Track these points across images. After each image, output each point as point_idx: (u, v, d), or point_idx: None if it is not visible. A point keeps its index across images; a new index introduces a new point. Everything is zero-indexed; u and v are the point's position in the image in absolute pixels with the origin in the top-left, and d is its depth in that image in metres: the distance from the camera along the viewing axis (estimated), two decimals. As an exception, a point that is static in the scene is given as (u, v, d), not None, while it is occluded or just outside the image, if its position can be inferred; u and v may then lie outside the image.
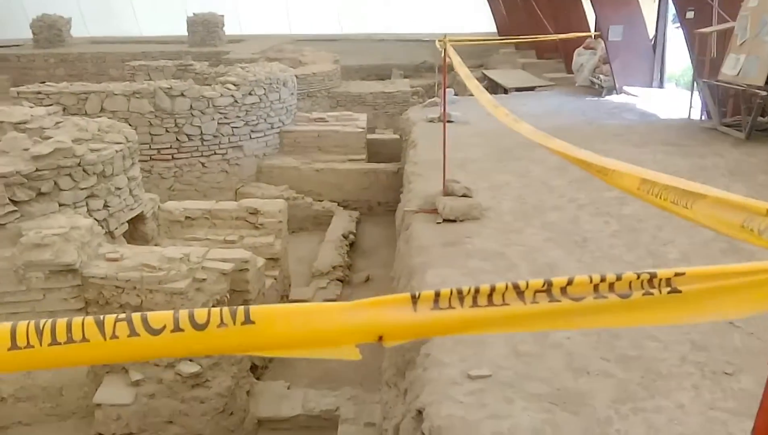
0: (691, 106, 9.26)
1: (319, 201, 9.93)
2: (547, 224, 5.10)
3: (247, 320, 1.05)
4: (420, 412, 2.80)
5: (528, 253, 4.52)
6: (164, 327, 1.03)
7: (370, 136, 11.55)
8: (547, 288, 1.07)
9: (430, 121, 9.67)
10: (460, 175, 6.23)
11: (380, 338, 1.07)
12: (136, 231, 7.03)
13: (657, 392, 2.79)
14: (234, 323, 1.04)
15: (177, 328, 1.03)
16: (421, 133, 9.10)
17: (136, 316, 1.05)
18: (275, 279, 6.48)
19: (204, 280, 5.09)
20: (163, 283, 4.93)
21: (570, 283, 1.07)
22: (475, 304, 1.08)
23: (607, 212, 5.43)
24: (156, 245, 6.47)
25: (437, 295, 1.08)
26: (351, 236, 8.93)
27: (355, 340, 1.08)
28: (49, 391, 5.12)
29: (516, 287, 1.07)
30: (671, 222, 5.23)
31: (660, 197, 1.57)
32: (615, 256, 4.47)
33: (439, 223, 5.17)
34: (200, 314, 1.04)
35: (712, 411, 2.64)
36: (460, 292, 1.08)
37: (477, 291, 1.08)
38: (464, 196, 5.37)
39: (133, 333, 1.02)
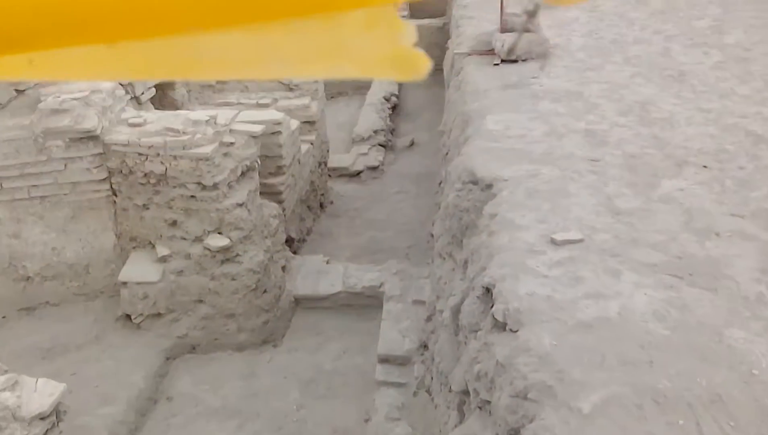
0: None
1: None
2: (631, 59, 4.00)
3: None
4: (488, 290, 1.99)
5: (612, 90, 3.49)
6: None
7: (411, -9, 10.13)
8: None
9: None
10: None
11: None
12: (165, 97, 6.26)
13: (829, 257, 1.89)
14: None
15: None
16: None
17: None
18: (311, 144, 5.64)
19: (232, 144, 4.32)
20: (187, 148, 4.19)
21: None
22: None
23: (705, 42, 4.27)
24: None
25: None
26: (393, 99, 7.93)
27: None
28: (76, 269, 4.61)
29: None
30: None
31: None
32: (725, 89, 3.40)
33: (497, 64, 4.13)
34: None
35: None
36: None
37: None
38: (526, 30, 4.26)
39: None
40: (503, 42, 4.15)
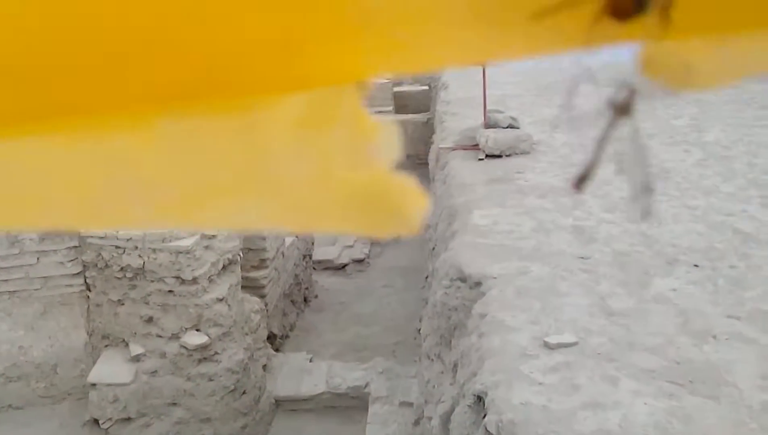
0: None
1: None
2: (613, 155, 4.11)
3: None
4: (480, 399, 1.90)
5: (597, 186, 3.55)
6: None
7: (396, 89, 10.57)
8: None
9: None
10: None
11: None
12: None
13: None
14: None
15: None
16: (452, 75, 8.10)
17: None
18: (296, 236, 5.63)
19: (214, 236, 4.29)
20: (167, 241, 4.14)
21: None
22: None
23: (685, 140, 4.42)
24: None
25: None
26: (379, 191, 8.05)
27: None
28: (43, 369, 4.42)
29: None
30: (766, 148, 4.27)
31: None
32: (709, 187, 3.47)
33: (482, 159, 4.22)
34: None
35: None
36: None
37: None
38: (510, 126, 4.39)
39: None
40: (487, 138, 4.26)
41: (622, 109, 0.28)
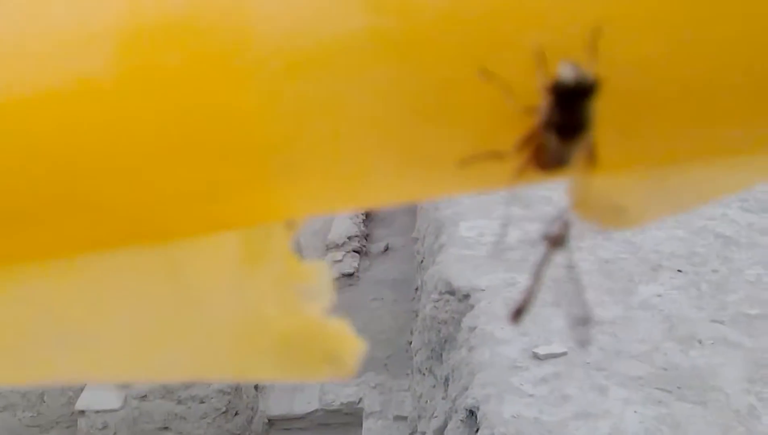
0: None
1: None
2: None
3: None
4: (472, 413, 1.93)
5: (581, 195, 3.61)
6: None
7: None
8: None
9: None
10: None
11: None
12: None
13: (815, 363, 1.90)
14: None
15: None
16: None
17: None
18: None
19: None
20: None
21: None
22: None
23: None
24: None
25: None
26: (365, 204, 8.08)
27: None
28: (29, 398, 4.37)
29: None
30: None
31: None
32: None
33: (467, 171, 4.27)
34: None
35: None
36: None
37: None
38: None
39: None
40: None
41: (556, 241, 0.31)
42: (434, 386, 2.61)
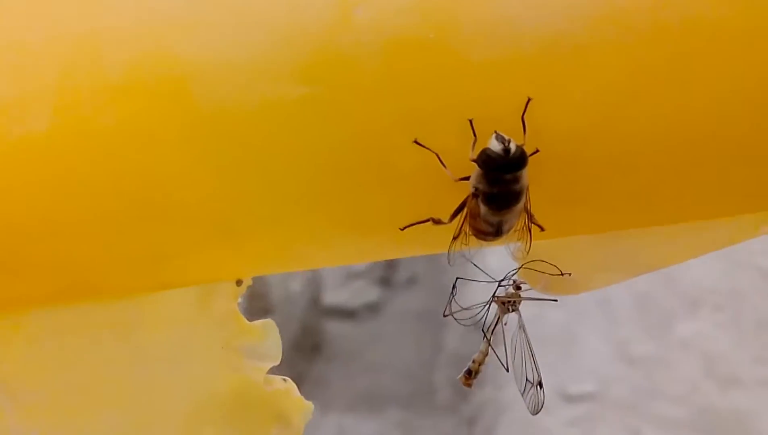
0: None
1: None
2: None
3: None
4: (498, 455, 1.92)
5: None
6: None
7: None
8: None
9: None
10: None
11: None
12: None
13: None
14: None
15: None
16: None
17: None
18: (303, 280, 5.67)
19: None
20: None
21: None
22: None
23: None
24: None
25: None
26: (389, 231, 8.11)
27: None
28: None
29: None
30: None
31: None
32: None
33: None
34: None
35: None
36: None
37: None
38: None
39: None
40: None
41: (507, 305, 0.33)
42: (458, 425, 2.59)
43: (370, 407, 4.64)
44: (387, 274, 7.37)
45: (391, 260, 6.66)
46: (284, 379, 0.27)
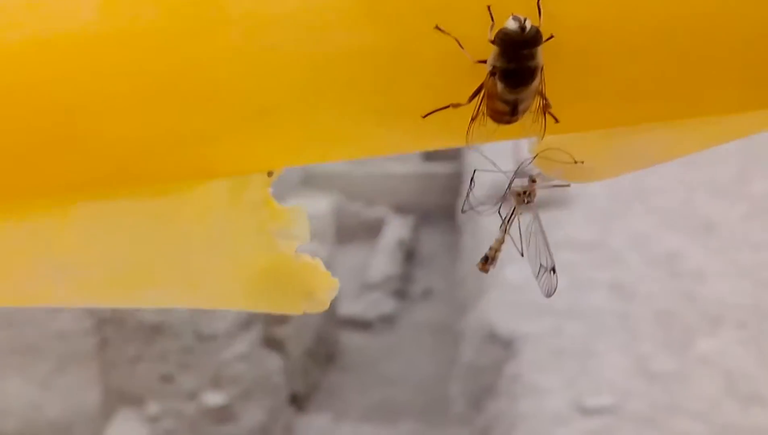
0: None
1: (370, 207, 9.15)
2: (655, 208, 4.14)
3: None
4: (512, 467, 1.91)
5: (635, 240, 3.57)
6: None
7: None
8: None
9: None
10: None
11: None
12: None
13: None
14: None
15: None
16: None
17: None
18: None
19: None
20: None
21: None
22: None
23: (729, 192, 4.43)
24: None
25: None
26: (407, 244, 8.10)
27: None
28: (58, 427, 4.48)
29: None
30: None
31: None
32: (756, 241, 3.47)
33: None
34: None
35: None
36: None
37: None
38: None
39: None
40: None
41: (522, 196, 0.34)
42: (472, 437, 2.59)
43: (384, 418, 4.61)
44: (403, 287, 7.41)
45: (407, 273, 6.72)
46: (313, 257, 0.29)
